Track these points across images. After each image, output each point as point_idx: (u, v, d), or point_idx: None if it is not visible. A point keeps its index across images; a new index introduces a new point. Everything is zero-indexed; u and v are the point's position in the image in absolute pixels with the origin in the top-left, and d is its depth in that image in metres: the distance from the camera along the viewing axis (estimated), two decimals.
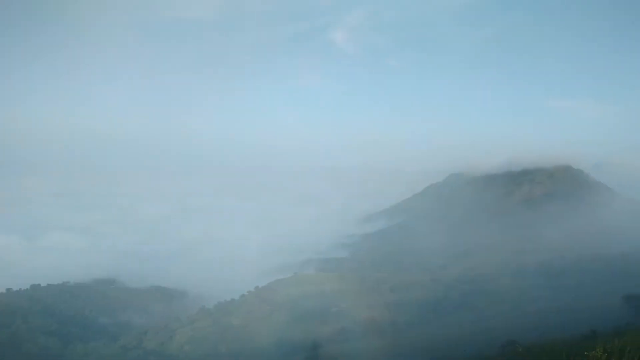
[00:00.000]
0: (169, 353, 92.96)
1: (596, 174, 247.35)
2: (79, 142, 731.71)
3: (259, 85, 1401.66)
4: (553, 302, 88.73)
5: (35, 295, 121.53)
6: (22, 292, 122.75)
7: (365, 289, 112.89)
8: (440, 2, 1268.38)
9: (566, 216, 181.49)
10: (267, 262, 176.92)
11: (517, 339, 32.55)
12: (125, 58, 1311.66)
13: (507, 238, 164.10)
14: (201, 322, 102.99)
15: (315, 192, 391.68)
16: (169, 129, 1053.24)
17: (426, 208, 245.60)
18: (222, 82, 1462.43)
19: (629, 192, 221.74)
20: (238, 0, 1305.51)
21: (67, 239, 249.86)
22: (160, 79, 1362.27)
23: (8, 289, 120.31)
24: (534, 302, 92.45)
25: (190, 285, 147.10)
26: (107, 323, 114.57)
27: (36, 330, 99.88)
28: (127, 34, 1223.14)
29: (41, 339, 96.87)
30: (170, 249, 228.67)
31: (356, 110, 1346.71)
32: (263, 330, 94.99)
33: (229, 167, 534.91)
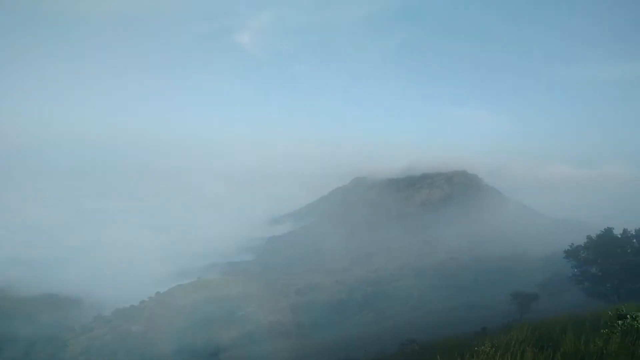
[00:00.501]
0: None
1: (489, 179, 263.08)
2: None
3: (162, 84, 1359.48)
4: (449, 301, 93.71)
5: None
6: None
7: (271, 292, 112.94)
8: (347, 11, 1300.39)
9: (462, 219, 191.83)
10: (169, 267, 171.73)
11: (416, 337, 34.20)
12: (27, 53, 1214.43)
13: (408, 240, 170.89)
14: (97, 330, 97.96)
15: (219, 195, 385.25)
16: (63, 128, 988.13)
17: (331, 211, 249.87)
18: (124, 79, 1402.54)
19: (517, 196, 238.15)
20: None
21: None
22: (57, 76, 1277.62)
23: None
24: (432, 302, 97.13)
25: (85, 293, 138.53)
26: None
27: None
28: (33, 29, 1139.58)
29: None
30: (62, 253, 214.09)
31: (261, 114, 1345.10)
32: (164, 337, 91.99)
33: (126, 168, 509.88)
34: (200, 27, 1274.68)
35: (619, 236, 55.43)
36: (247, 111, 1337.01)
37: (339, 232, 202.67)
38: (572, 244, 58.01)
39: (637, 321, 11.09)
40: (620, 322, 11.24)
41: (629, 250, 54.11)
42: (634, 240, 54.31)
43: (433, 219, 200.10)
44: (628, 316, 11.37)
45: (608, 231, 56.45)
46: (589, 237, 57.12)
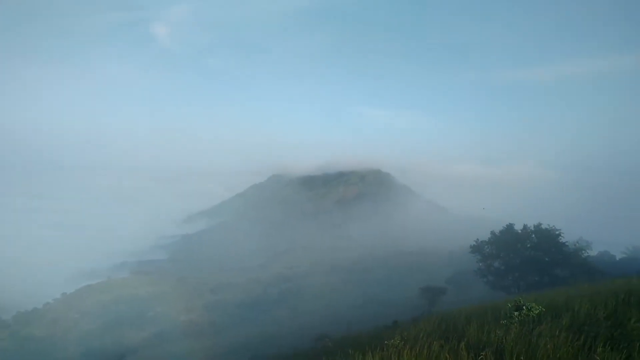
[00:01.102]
0: None
1: (401, 177, 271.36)
2: None
3: (72, 75, 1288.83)
4: (362, 296, 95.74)
5: None
6: None
7: (185, 291, 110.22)
8: (265, 8, 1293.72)
9: (375, 216, 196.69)
10: (76, 267, 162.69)
11: (329, 332, 34.56)
12: None
13: (323, 237, 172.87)
14: None
15: (133, 192, 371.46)
16: None
17: (247, 208, 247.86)
18: (29, 71, 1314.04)
19: (428, 194, 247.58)
20: None
21: None
22: None
23: None
24: (345, 297, 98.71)
25: None
26: None
27: None
28: None
29: None
30: None
31: (178, 108, 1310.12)
32: (70, 340, 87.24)
33: (33, 165, 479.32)
34: (115, 18, 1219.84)
35: (520, 232, 59.08)
36: (163, 105, 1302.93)
37: (255, 230, 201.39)
38: (477, 239, 61.04)
39: (533, 311, 11.79)
40: (517, 312, 11.91)
41: (528, 245, 57.78)
42: (533, 236, 58.01)
43: (347, 216, 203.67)
44: (524, 307, 12.07)
45: (510, 227, 60.02)
46: (492, 233, 60.47)
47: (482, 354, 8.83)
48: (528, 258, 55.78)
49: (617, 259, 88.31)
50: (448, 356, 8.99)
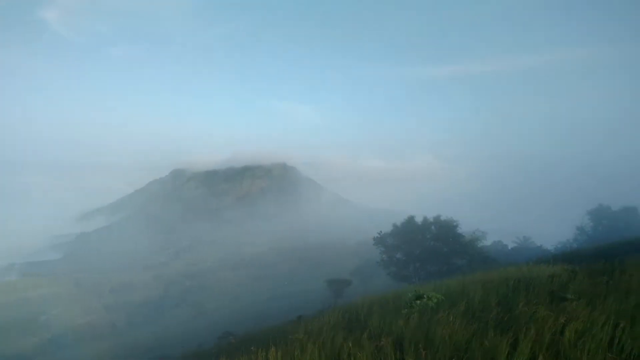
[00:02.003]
0: None
1: (307, 171, 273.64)
2: None
3: None
4: (268, 291, 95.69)
5: None
6: None
7: (82, 293, 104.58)
8: None
9: (280, 210, 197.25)
10: None
11: (234, 329, 34.12)
12: None
13: (227, 232, 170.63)
14: None
15: (23, 188, 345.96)
16: None
17: (148, 204, 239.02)
18: None
19: (334, 188, 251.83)
20: None
21: None
22: None
23: None
24: (251, 293, 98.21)
25: None
26: None
27: None
28: None
29: None
30: None
31: (73, 99, 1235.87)
32: None
33: None
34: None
35: (420, 223, 61.73)
36: (57, 95, 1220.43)
37: (156, 227, 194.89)
38: (381, 231, 62.98)
39: (432, 300, 12.22)
40: (417, 302, 12.29)
41: (428, 236, 60.46)
42: (433, 227, 60.80)
43: (252, 210, 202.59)
44: (424, 296, 12.48)
45: (411, 219, 62.58)
46: (394, 225, 62.69)
47: (382, 343, 8.97)
48: (428, 249, 58.41)
49: (509, 248, 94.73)
50: (351, 347, 9.05)
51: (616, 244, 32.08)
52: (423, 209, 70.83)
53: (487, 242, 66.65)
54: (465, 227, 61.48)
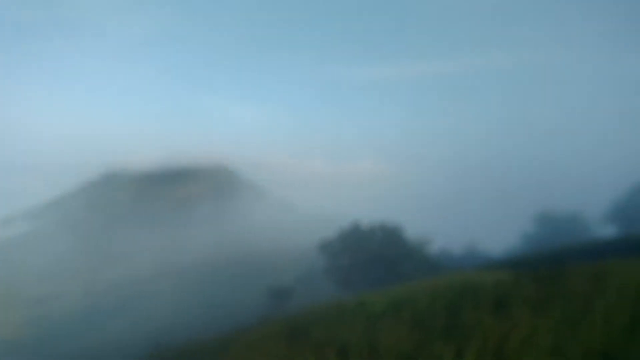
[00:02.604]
0: None
1: (249, 174, 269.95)
2: None
3: None
4: (207, 301, 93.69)
5: None
6: None
7: (1, 305, 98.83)
8: None
9: (221, 215, 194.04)
10: None
11: (172, 340, 32.99)
12: None
13: (165, 239, 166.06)
14: None
15: None
16: None
17: (76, 209, 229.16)
18: None
19: (277, 192, 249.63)
20: None
21: None
22: None
23: None
24: (189, 303, 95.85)
25: None
26: None
27: None
28: None
29: None
30: None
31: None
32: None
33: None
34: None
35: (366, 229, 62.06)
36: None
37: (87, 233, 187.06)
38: (325, 238, 62.91)
39: (376, 307, 12.08)
40: (361, 309, 12.13)
41: (374, 242, 60.78)
42: (379, 233, 61.25)
43: (191, 216, 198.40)
44: (368, 303, 12.34)
45: (356, 225, 62.71)
46: (340, 231, 62.68)
47: (326, 353, 8.73)
48: (374, 255, 58.67)
49: (456, 254, 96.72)
50: (294, 358, 8.75)
51: (560, 249, 33.30)
52: (370, 213, 71.23)
53: (434, 247, 67.79)
54: (412, 232, 62.19)
